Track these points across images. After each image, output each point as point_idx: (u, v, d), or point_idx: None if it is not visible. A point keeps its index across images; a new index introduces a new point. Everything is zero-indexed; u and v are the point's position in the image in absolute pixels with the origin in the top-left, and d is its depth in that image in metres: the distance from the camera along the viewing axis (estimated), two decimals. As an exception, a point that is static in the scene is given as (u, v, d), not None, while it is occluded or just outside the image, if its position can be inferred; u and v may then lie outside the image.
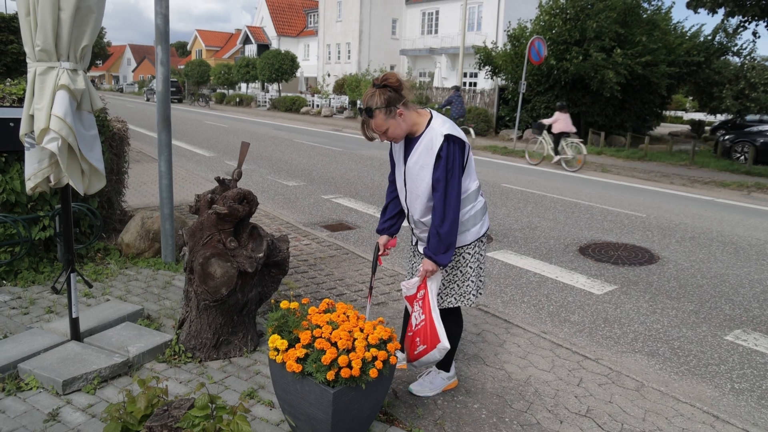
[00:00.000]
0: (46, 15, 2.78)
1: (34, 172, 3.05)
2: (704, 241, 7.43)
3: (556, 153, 14.46)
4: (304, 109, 36.03)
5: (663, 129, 31.17)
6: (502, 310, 4.83)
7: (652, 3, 20.64)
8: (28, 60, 2.94)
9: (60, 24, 2.84)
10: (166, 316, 4.08)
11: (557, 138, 14.35)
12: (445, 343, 2.91)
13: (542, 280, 5.68)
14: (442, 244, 2.85)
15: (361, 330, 2.66)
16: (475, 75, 34.64)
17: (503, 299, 5.14)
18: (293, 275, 5.20)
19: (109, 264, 5.10)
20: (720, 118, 28.18)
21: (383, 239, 3.24)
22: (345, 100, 35.20)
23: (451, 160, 2.79)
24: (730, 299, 5.36)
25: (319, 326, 2.65)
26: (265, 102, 42.13)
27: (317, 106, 36.61)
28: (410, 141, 2.95)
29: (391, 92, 2.79)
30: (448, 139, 2.80)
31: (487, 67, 23.78)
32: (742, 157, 16.56)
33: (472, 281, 3.12)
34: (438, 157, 2.81)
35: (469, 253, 3.08)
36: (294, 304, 2.79)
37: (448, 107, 17.01)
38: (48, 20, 2.79)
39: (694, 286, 5.69)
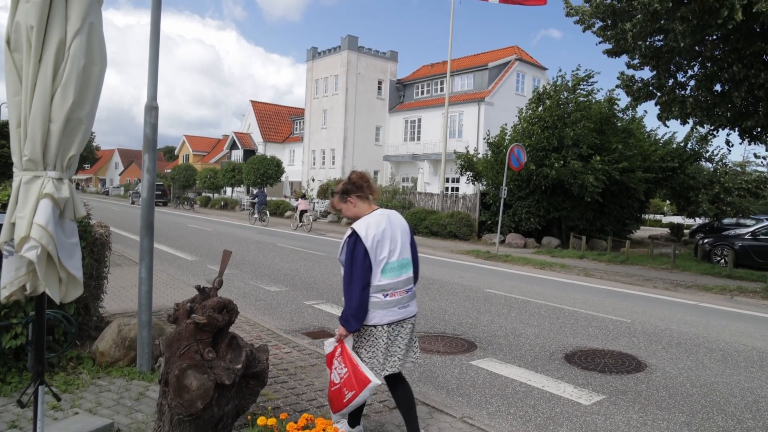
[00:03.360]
0: (36, 126, 2.82)
1: (10, 281, 2.98)
2: (691, 348, 7.36)
3: (300, 222, 25.85)
4: (288, 213, 36.37)
5: (643, 232, 31.78)
6: (488, 423, 4.66)
7: (627, 113, 21.79)
8: (14, 169, 2.94)
9: (49, 135, 2.87)
10: (138, 431, 3.87)
11: (301, 214, 26.04)
12: (375, 380, 3.39)
13: (528, 390, 5.53)
14: (349, 315, 3.46)
15: (342, 448, 2.54)
16: (457, 180, 35.61)
17: (489, 410, 4.97)
18: (272, 385, 5.02)
19: (81, 374, 4.90)
20: (698, 221, 28.87)
21: None
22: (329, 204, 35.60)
23: (349, 249, 3.49)
24: (722, 409, 5.23)
25: (297, 445, 2.53)
26: (250, 206, 42.50)
27: (302, 210, 36.95)
28: None
29: (350, 185, 3.71)
30: (352, 233, 3.52)
31: (468, 173, 24.45)
32: (723, 261, 16.79)
33: (365, 360, 3.58)
34: (344, 243, 3.56)
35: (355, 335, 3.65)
36: (272, 420, 2.68)
37: (255, 199, 30.01)
38: (38, 132, 2.83)
39: (684, 395, 5.57)
